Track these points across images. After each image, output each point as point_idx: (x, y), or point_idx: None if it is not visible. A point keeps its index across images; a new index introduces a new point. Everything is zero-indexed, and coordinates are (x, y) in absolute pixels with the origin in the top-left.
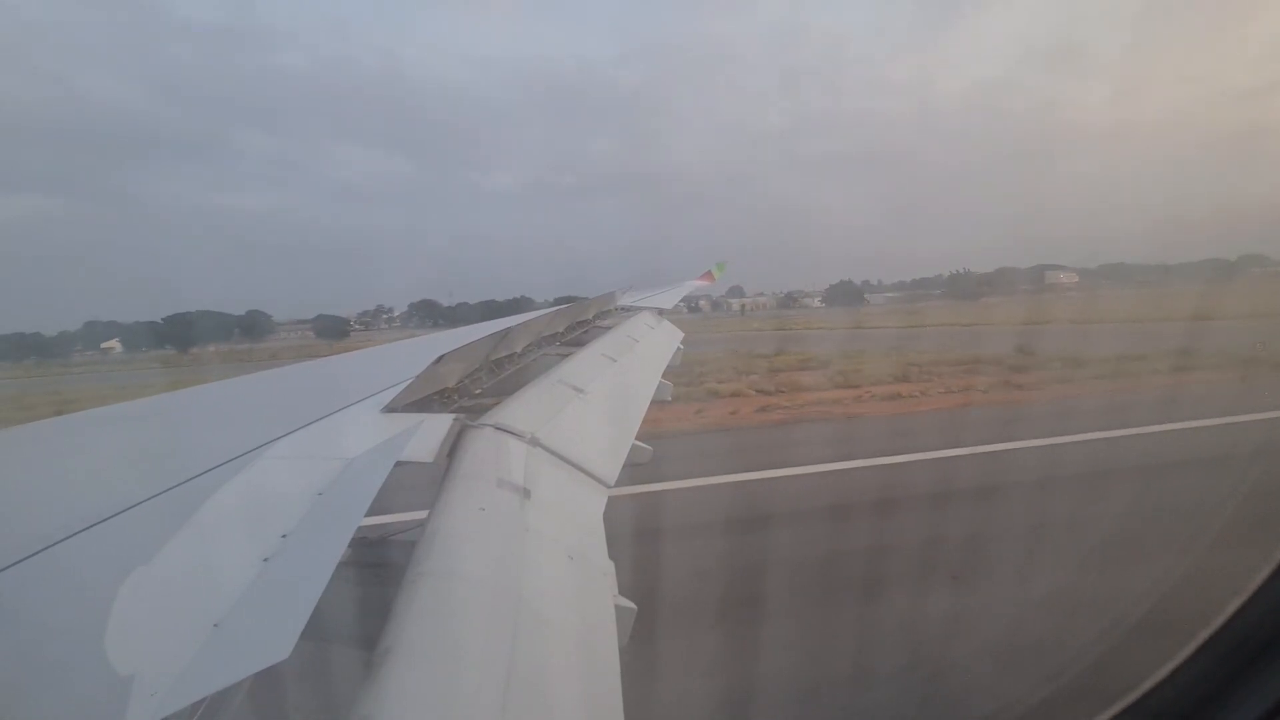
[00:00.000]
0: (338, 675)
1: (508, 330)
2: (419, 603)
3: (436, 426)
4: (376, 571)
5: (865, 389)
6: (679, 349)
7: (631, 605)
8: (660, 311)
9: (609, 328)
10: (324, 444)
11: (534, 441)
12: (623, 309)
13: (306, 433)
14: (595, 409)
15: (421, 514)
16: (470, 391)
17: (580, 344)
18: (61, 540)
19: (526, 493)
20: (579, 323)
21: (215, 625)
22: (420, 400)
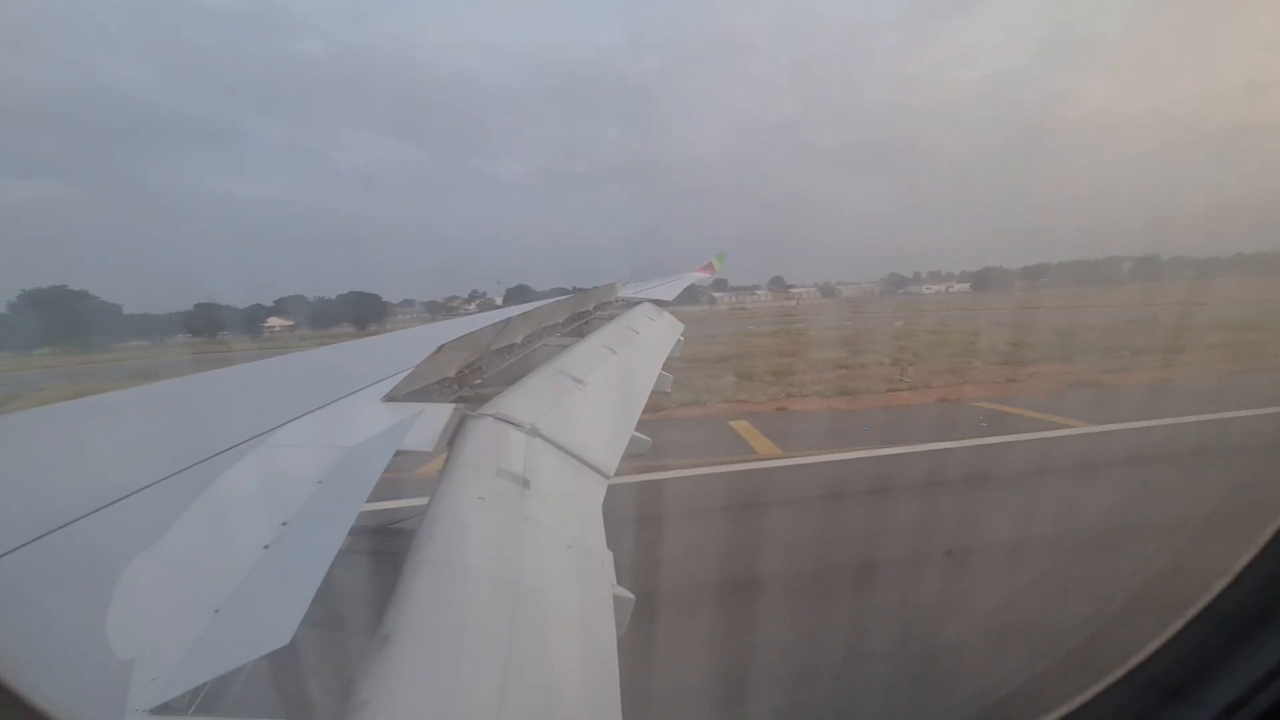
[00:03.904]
0: (337, 662)
1: (508, 320)
2: (418, 591)
3: (437, 416)
4: (376, 559)
5: None
6: (679, 340)
7: (630, 595)
8: (660, 303)
9: (609, 318)
10: (324, 432)
11: (534, 431)
12: (623, 300)
13: (307, 421)
14: (595, 400)
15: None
16: (471, 381)
17: (580, 335)
18: (64, 525)
19: (526, 482)
20: (579, 313)
21: (216, 611)
22: (421, 389)
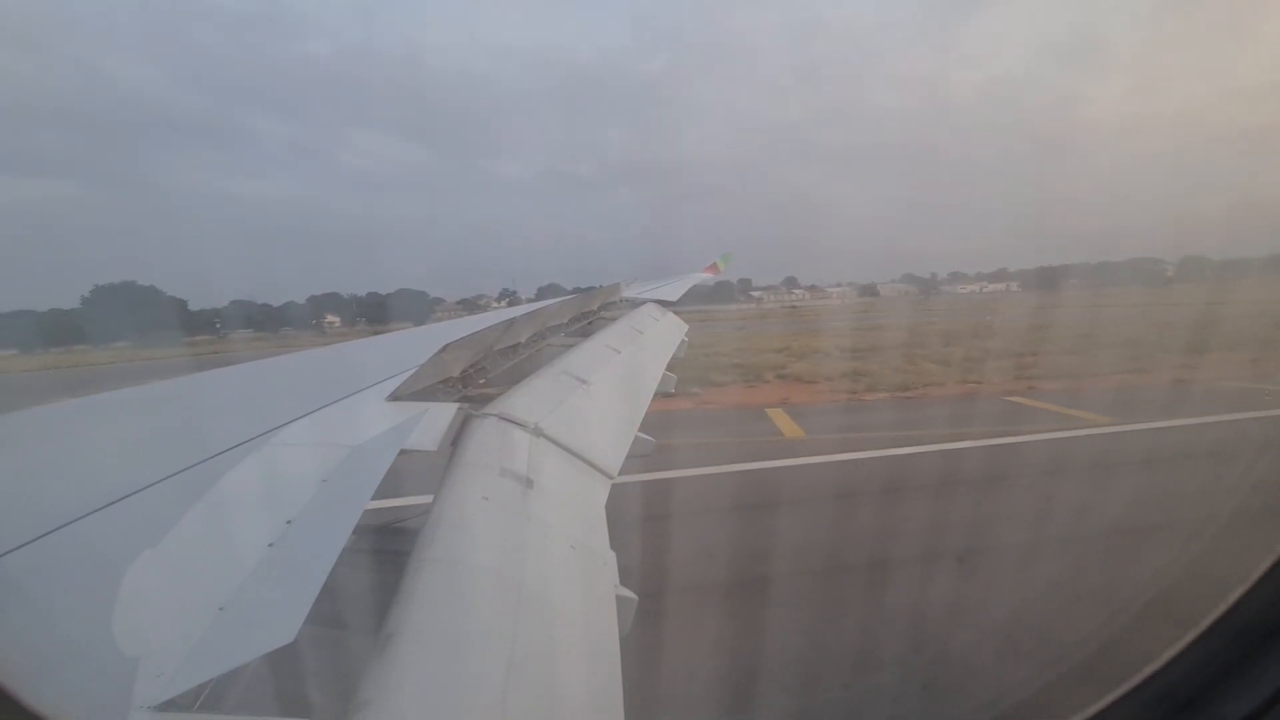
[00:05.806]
0: (341, 660)
1: (513, 320)
2: (422, 590)
3: (441, 415)
4: (380, 558)
5: None
6: (683, 341)
7: (632, 595)
8: (664, 304)
9: (613, 319)
10: (329, 431)
11: (537, 431)
12: (627, 300)
13: (312, 419)
14: (599, 400)
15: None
16: (475, 381)
17: (585, 335)
18: (69, 523)
19: (529, 482)
20: (584, 314)
21: (220, 609)
22: (425, 389)
